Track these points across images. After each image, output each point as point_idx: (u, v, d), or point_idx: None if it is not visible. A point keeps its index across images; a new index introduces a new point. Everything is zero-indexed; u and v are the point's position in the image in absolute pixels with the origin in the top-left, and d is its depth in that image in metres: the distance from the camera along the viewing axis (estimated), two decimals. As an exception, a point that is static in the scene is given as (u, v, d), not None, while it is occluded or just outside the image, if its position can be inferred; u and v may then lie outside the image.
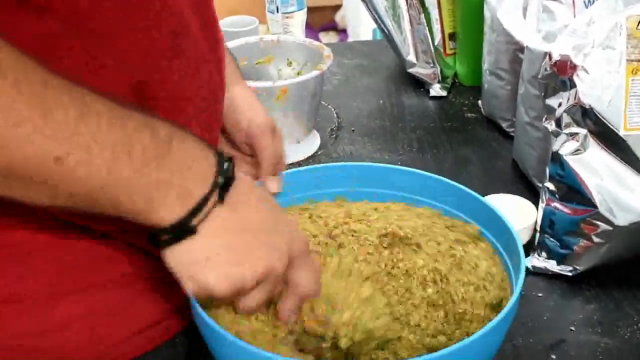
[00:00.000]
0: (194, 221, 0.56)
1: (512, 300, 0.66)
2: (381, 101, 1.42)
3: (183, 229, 0.56)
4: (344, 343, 0.67)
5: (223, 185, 0.57)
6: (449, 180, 0.82)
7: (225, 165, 0.58)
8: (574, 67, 0.89)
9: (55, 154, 0.49)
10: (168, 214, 0.55)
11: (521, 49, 1.11)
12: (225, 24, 1.53)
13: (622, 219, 0.88)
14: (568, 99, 0.90)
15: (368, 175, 0.86)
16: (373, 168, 0.87)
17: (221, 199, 0.57)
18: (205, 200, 0.56)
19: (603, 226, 0.89)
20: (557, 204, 0.93)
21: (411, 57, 1.43)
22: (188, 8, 0.65)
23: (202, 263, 0.57)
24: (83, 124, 0.50)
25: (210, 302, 0.65)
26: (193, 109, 0.68)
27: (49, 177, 0.50)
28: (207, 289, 0.58)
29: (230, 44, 1.23)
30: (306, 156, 1.22)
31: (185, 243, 0.57)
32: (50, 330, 0.64)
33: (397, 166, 0.87)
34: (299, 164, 1.18)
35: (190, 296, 0.61)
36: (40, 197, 0.52)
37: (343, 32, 3.12)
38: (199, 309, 0.64)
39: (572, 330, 0.87)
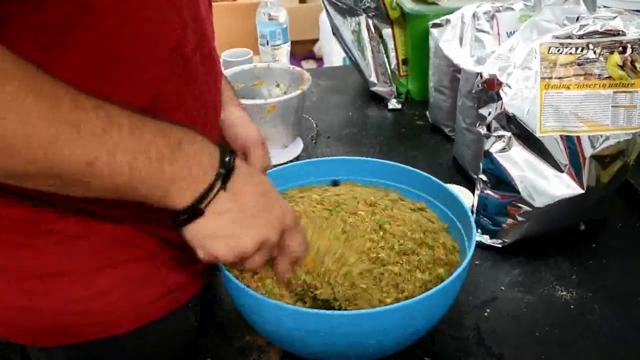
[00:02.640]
0: (202, 205, 0.56)
1: (469, 255, 0.69)
2: (350, 113, 1.41)
3: (193, 212, 0.56)
4: (329, 291, 0.69)
5: (225, 174, 0.57)
6: (422, 172, 0.85)
7: (227, 158, 0.58)
8: (500, 84, 0.89)
9: (86, 159, 0.49)
10: (180, 201, 0.55)
11: (458, 70, 1.10)
12: (226, 55, 1.52)
13: (539, 202, 0.88)
14: (496, 109, 0.90)
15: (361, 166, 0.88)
16: (367, 162, 0.89)
17: (223, 186, 0.57)
18: (210, 188, 0.56)
19: (525, 208, 0.89)
20: (489, 191, 0.93)
21: (373, 78, 1.43)
22: (191, 38, 0.64)
23: (209, 238, 0.58)
24: (108, 135, 0.50)
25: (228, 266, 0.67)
26: (197, 113, 0.67)
27: (82, 176, 0.50)
28: (215, 257, 0.59)
29: (230, 71, 1.22)
30: (292, 158, 1.21)
31: (196, 222, 0.57)
32: (95, 296, 0.64)
33: (386, 161, 0.88)
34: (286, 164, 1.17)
35: (203, 261, 0.62)
36: (77, 191, 0.52)
37: (320, 60, 3.10)
38: (227, 272, 0.67)
39: (501, 289, 0.87)
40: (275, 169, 0.86)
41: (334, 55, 2.63)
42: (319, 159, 0.90)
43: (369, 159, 0.88)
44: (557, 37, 0.87)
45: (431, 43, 1.24)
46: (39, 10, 0.50)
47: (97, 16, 0.53)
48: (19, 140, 0.46)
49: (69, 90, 0.49)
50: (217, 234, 0.58)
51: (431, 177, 0.83)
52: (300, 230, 0.67)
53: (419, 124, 1.35)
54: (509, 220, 0.91)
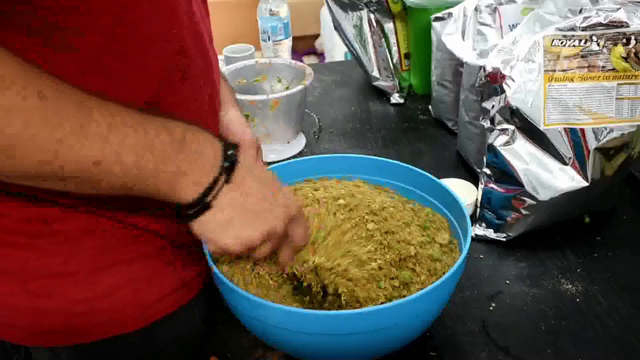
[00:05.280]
0: (208, 199, 0.57)
1: (462, 255, 0.67)
2: (352, 108, 1.41)
3: (200, 206, 0.57)
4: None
5: (229, 167, 0.58)
6: (416, 168, 0.83)
7: (230, 151, 0.59)
8: (503, 77, 0.88)
9: (94, 159, 0.50)
10: (187, 195, 0.56)
11: (461, 64, 1.10)
12: (228, 50, 1.51)
13: (543, 195, 0.88)
14: (499, 102, 0.89)
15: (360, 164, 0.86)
16: (364, 159, 0.86)
17: (228, 179, 0.58)
18: (215, 182, 0.57)
19: (529, 201, 0.89)
20: (493, 185, 0.92)
21: (375, 73, 1.43)
22: (188, 37, 0.63)
23: (217, 230, 0.59)
24: (113, 134, 0.50)
25: (229, 258, 0.68)
26: (196, 115, 0.67)
27: (91, 175, 0.51)
28: (224, 249, 0.61)
29: (232, 67, 1.22)
30: (294, 153, 1.20)
31: (204, 215, 0.58)
32: (100, 296, 0.64)
33: (380, 158, 0.86)
34: (289, 160, 1.16)
35: (211, 254, 0.65)
36: (87, 189, 0.53)
37: (321, 55, 3.11)
38: (219, 274, 0.65)
39: (507, 283, 0.86)
40: (270, 166, 0.85)
41: (335, 50, 2.63)
42: (309, 157, 0.88)
43: (362, 155, 0.87)
44: (560, 30, 0.87)
45: (433, 37, 1.23)
46: (34, 7, 0.50)
47: (92, 14, 0.52)
48: (27, 144, 0.47)
49: (73, 91, 0.49)
50: (225, 226, 0.59)
51: (425, 172, 0.82)
52: (303, 221, 0.68)
53: (422, 118, 1.35)
54: (514, 214, 0.91)
